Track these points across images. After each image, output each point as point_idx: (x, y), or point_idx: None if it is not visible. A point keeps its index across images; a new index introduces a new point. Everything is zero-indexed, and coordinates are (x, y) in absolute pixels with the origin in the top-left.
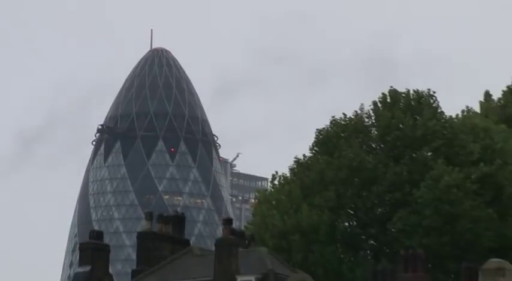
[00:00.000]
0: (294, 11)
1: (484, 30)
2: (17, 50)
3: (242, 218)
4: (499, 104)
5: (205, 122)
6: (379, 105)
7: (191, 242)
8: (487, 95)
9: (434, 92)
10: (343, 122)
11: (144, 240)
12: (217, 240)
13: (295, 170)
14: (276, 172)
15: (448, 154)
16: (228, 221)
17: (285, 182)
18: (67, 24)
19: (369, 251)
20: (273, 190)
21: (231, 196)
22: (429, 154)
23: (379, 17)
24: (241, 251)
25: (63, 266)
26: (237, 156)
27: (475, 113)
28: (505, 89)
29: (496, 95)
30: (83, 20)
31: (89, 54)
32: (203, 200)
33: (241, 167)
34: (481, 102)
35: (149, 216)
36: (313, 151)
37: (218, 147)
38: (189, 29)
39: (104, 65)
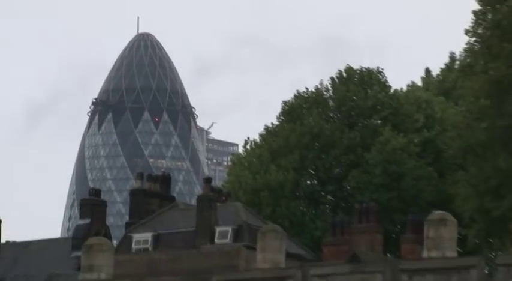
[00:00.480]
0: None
1: (426, 15)
2: (24, 33)
3: (216, 179)
4: (438, 79)
5: (184, 96)
6: (336, 80)
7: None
8: (428, 71)
9: (382, 69)
10: (305, 95)
11: (136, 196)
12: (199, 196)
13: (265, 136)
14: (248, 138)
15: (394, 122)
16: (208, 180)
17: (256, 147)
18: (68, 12)
19: (327, 205)
20: (245, 153)
21: (206, 159)
22: (378, 121)
23: (337, 3)
24: (219, 205)
25: (63, 219)
26: (212, 125)
27: (418, 87)
28: (443, 66)
29: (436, 71)
30: (82, 9)
31: (86, 38)
32: (183, 163)
33: (215, 134)
34: (422, 77)
35: (140, 176)
36: (280, 120)
37: (196, 117)
38: (172, 16)
39: (98, 48)
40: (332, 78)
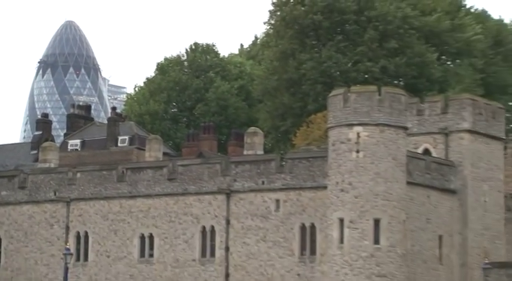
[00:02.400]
0: None
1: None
2: None
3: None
4: (248, 49)
5: (94, 59)
6: (189, 50)
7: None
8: (241, 45)
9: (215, 44)
10: (171, 59)
11: (71, 118)
12: (109, 118)
13: (146, 83)
14: (136, 84)
15: (223, 75)
16: (113, 109)
17: (140, 89)
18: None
19: (185, 124)
20: (134, 92)
21: (108, 96)
22: (213, 75)
23: None
24: (120, 123)
25: (20, 133)
26: (110, 76)
27: (236, 54)
28: (250, 42)
29: (246, 45)
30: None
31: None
32: (93, 98)
33: (113, 81)
34: (239, 49)
35: (72, 106)
36: (155, 72)
37: (100, 71)
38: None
39: (44, 27)
40: (187, 49)
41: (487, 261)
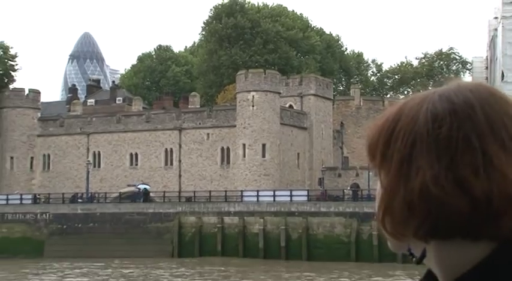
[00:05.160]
0: None
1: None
2: None
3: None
4: (193, 49)
5: (101, 54)
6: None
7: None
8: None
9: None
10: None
11: (88, 87)
12: (110, 87)
13: (133, 66)
14: (125, 68)
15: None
16: (113, 82)
17: (128, 71)
18: None
19: (154, 91)
20: (124, 73)
21: (109, 75)
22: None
23: None
24: (117, 90)
25: (59, 95)
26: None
27: (184, 52)
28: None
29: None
30: None
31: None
32: (101, 76)
33: (112, 66)
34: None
35: (89, 80)
36: (137, 61)
37: (105, 60)
38: None
39: (71, 33)
40: (155, 48)
41: (323, 166)
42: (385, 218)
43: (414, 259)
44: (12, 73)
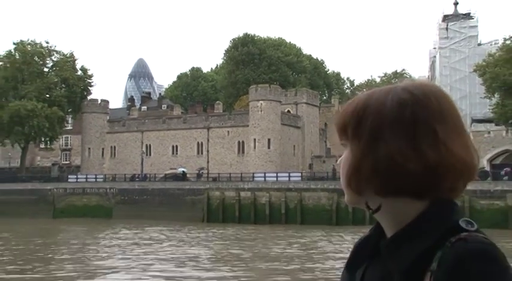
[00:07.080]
0: None
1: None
2: None
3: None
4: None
5: (151, 73)
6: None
7: None
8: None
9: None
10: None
11: (142, 98)
12: (158, 98)
13: (175, 82)
14: (169, 84)
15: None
16: (160, 94)
17: (171, 86)
18: None
19: (189, 100)
20: (168, 87)
21: (157, 89)
22: None
23: None
24: (163, 100)
25: (121, 104)
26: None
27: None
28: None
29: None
30: None
31: None
32: (151, 90)
33: (159, 82)
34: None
35: (143, 92)
36: (176, 79)
37: (153, 78)
38: None
39: (129, 58)
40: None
41: (312, 155)
42: (351, 177)
43: (371, 210)
44: (90, 88)
